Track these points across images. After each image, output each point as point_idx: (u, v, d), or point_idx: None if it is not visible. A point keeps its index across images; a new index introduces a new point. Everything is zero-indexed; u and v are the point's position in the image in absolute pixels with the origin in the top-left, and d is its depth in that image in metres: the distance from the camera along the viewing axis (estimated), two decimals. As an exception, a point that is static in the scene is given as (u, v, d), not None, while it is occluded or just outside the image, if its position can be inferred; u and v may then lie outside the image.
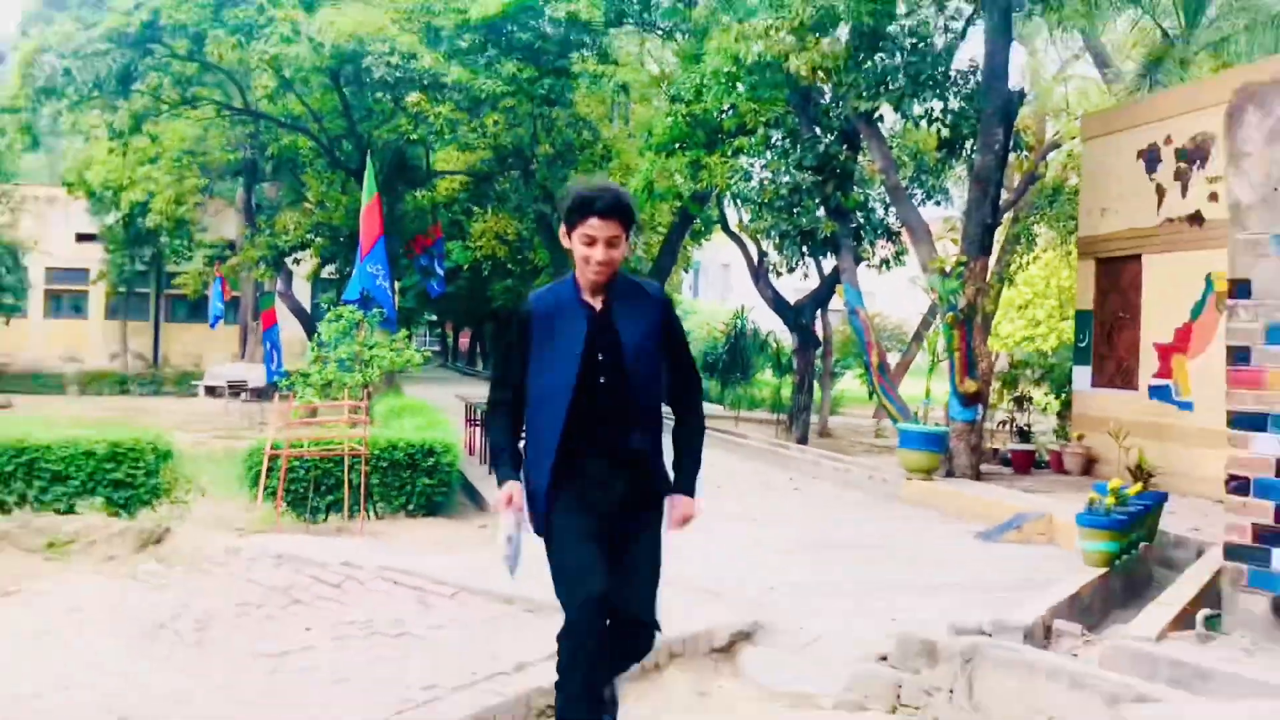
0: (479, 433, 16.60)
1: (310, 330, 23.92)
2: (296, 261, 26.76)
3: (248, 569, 8.54)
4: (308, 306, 30.46)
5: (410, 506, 11.99)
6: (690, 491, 4.45)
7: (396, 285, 27.68)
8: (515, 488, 4.33)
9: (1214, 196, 13.14)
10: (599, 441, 4.30)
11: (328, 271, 28.06)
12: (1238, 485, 6.19)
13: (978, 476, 14.38)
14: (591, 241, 4.23)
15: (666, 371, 4.43)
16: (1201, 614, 6.47)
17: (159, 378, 34.61)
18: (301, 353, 22.77)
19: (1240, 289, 6.24)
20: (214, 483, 13.36)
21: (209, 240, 31.73)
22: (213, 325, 31.88)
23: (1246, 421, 6.16)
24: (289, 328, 30.63)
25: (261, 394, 25.17)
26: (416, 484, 12.00)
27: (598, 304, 4.32)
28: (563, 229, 4.34)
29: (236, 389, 26.64)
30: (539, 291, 4.49)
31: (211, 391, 30.42)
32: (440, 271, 25.47)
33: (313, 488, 11.62)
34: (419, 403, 17.41)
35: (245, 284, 31.31)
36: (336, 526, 11.30)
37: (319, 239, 24.79)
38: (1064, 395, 18.09)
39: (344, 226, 23.60)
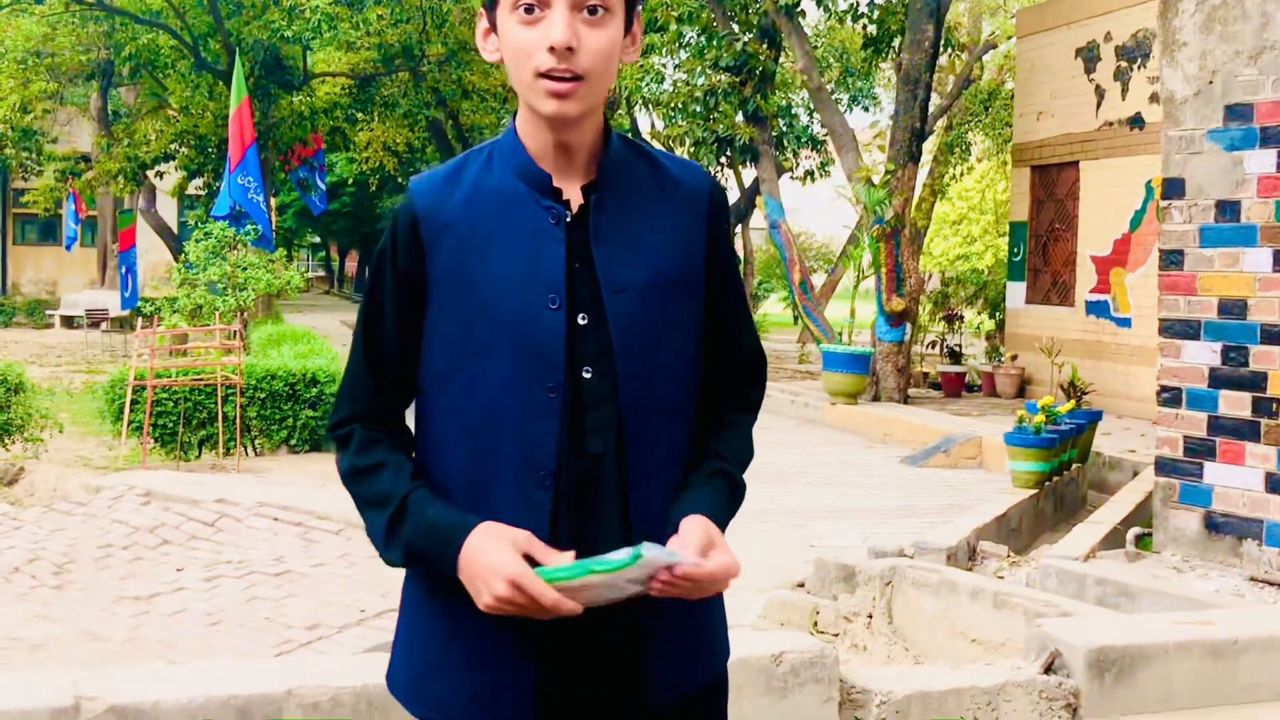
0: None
1: (177, 251, 23.57)
2: (160, 175, 25.87)
3: (111, 508, 8.51)
4: (174, 225, 29.86)
5: (292, 441, 11.96)
6: (716, 516, 2.05)
7: (273, 201, 27.64)
8: (508, 544, 1.90)
9: (1154, 98, 13.40)
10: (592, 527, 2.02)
11: (195, 186, 27.17)
12: (1169, 396, 6.44)
13: (905, 400, 14.75)
14: (535, 6, 1.92)
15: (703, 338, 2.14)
16: (1132, 532, 6.74)
17: (8, 307, 33.90)
18: (169, 276, 22.55)
19: (1173, 187, 6.45)
20: (73, 419, 13.22)
21: (61, 152, 30.37)
22: (68, 248, 31.11)
23: (1178, 329, 6.40)
24: (154, 249, 30.66)
25: (124, 324, 24.71)
26: (298, 416, 11.95)
27: (575, 192, 2.06)
28: (480, 21, 2.06)
29: (96, 319, 26.13)
30: (434, 173, 2.12)
31: (68, 321, 30.00)
32: (322, 186, 25.12)
33: (183, 422, 11.50)
34: (301, 329, 17.29)
35: (103, 201, 30.02)
36: (210, 464, 11.25)
37: (184, 149, 24.29)
38: (998, 314, 18.32)
39: (212, 135, 23.22)
